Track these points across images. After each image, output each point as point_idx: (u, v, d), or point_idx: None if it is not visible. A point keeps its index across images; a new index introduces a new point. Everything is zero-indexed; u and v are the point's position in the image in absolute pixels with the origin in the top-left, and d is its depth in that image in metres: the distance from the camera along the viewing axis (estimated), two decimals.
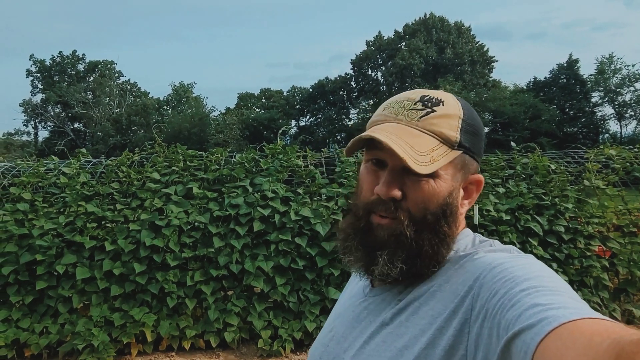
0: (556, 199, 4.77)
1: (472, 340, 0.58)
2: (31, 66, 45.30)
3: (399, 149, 0.66)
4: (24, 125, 44.92)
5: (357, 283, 0.86)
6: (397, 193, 0.69)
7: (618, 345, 0.40)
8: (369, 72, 44.51)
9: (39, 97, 44.21)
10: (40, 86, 45.01)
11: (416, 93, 0.74)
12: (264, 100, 45.78)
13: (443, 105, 0.72)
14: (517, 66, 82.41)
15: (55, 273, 4.18)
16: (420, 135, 0.69)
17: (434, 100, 0.72)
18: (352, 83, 44.55)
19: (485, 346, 0.55)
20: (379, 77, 43.49)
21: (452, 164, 0.70)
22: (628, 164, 5.05)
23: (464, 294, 0.63)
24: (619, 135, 36.42)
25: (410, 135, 0.69)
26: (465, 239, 0.74)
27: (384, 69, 42.93)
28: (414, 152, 0.67)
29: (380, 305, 0.74)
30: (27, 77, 45.42)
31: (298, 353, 4.29)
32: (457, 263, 0.69)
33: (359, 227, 0.73)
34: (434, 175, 0.69)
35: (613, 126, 38.14)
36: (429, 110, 0.71)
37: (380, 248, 0.71)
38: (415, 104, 0.72)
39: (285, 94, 45.83)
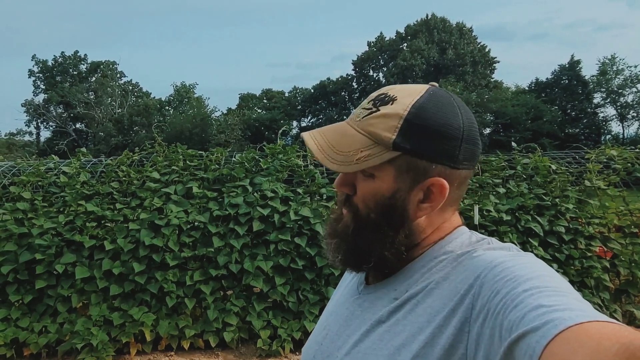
0: (557, 200, 4.75)
1: (473, 340, 0.57)
2: (33, 66, 45.41)
3: (315, 147, 0.71)
4: (26, 125, 44.91)
5: (351, 280, 0.85)
6: (345, 189, 0.74)
7: (628, 350, 0.39)
8: (371, 72, 44.53)
9: (41, 98, 44.32)
10: (42, 86, 45.12)
11: (383, 90, 0.73)
12: (265, 101, 45.82)
13: (392, 104, 0.69)
14: (519, 67, 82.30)
15: (55, 272, 4.18)
16: (353, 134, 0.70)
17: (385, 99, 0.71)
18: (354, 84, 44.58)
19: (486, 346, 0.54)
20: (381, 78, 43.48)
21: (392, 165, 0.68)
22: (629, 164, 5.03)
23: (464, 293, 0.61)
24: (621, 136, 36.34)
25: (340, 135, 0.71)
26: (461, 237, 0.73)
27: (385, 69, 42.94)
28: (333, 151, 0.70)
29: (375, 303, 0.72)
30: (29, 77, 45.54)
31: (297, 353, 4.28)
32: (456, 260, 0.68)
33: (334, 218, 0.79)
34: (372, 175, 0.70)
35: (615, 127, 38.11)
36: (373, 110, 0.71)
37: (332, 237, 0.76)
38: (368, 102, 0.73)
39: (286, 94, 45.87)
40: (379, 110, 0.70)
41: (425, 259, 0.71)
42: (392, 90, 0.72)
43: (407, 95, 0.70)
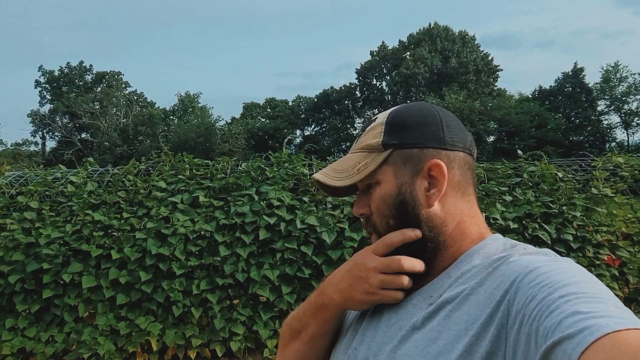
0: (564, 207, 4.73)
1: (510, 347, 0.56)
2: (40, 77, 45.91)
3: (321, 176, 0.81)
4: (31, 135, 45.35)
5: None
6: (360, 210, 0.79)
7: None
8: (374, 81, 44.68)
9: (47, 108, 44.73)
10: (48, 97, 45.56)
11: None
12: (269, 110, 45.99)
13: (374, 122, 0.79)
14: (525, 74, 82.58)
15: (62, 282, 4.18)
16: (349, 157, 0.80)
17: (370, 121, 0.81)
18: (357, 92, 44.73)
19: (523, 353, 0.53)
20: (384, 87, 43.63)
21: (388, 165, 0.75)
22: (636, 171, 5.01)
23: (499, 299, 0.60)
24: (626, 143, 36.22)
25: (342, 160, 0.81)
26: (495, 242, 0.73)
27: (388, 78, 43.08)
28: (337, 172, 0.79)
29: (411, 309, 0.72)
30: (35, 87, 46.01)
31: None
32: (491, 266, 0.67)
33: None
34: (376, 182, 0.76)
35: (620, 134, 38.02)
36: (362, 132, 0.81)
37: None
38: (359, 132, 0.83)
39: (290, 103, 46.04)
40: (365, 131, 0.81)
41: (459, 265, 0.71)
42: (381, 114, 0.81)
43: (384, 112, 0.81)
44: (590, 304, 0.49)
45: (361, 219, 0.81)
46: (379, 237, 0.76)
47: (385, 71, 43.82)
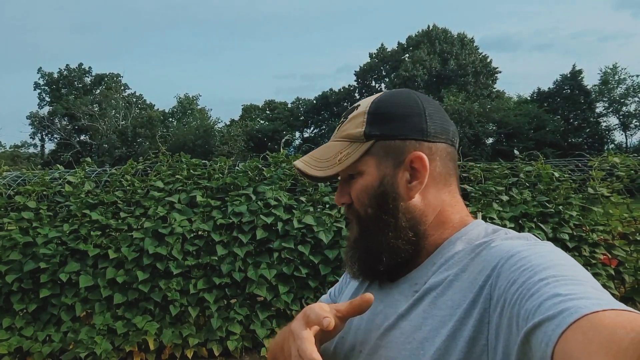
0: (560, 207, 4.75)
1: (493, 330, 0.57)
2: (39, 79, 45.92)
3: (302, 164, 0.80)
4: (30, 137, 45.32)
5: None
6: (342, 199, 0.79)
7: None
8: (373, 83, 44.74)
9: (46, 110, 44.72)
10: (47, 99, 45.57)
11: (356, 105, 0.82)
12: (268, 112, 46.04)
13: (356, 110, 0.78)
14: (524, 76, 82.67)
15: (59, 281, 4.19)
16: (333, 144, 0.79)
17: (351, 109, 0.80)
18: (356, 94, 44.76)
19: (505, 336, 0.54)
20: (383, 89, 43.67)
21: (371, 155, 0.75)
22: (632, 171, 5.03)
23: (482, 284, 0.61)
24: (624, 145, 36.27)
25: (323, 149, 0.80)
26: (477, 228, 0.74)
27: (387, 80, 43.15)
28: (318, 162, 0.78)
29: (397, 297, 0.73)
30: (34, 89, 46.01)
31: None
32: (473, 252, 0.68)
33: (348, 236, 0.84)
34: (359, 172, 0.76)
35: (618, 136, 38.08)
36: (344, 119, 0.80)
37: (347, 251, 0.81)
38: (341, 118, 0.82)
39: (289, 105, 46.09)
40: (347, 118, 0.80)
41: (442, 251, 0.72)
42: (356, 103, 0.81)
43: (367, 100, 0.79)
44: (570, 286, 0.50)
45: (342, 207, 0.82)
46: (359, 224, 0.77)
47: (384, 73, 43.90)
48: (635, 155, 5.62)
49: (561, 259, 0.58)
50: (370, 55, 44.01)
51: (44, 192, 4.83)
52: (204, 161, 5.30)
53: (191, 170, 4.99)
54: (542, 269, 0.54)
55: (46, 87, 45.88)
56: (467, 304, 0.61)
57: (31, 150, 45.30)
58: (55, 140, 43.91)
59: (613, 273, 4.62)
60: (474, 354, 0.58)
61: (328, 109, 44.08)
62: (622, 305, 0.46)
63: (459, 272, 0.66)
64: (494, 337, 0.57)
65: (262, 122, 43.16)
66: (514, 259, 0.59)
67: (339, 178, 0.81)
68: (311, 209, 4.64)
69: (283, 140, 6.17)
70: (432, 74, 39.34)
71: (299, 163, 0.81)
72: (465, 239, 0.71)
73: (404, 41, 42.87)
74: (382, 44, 44.01)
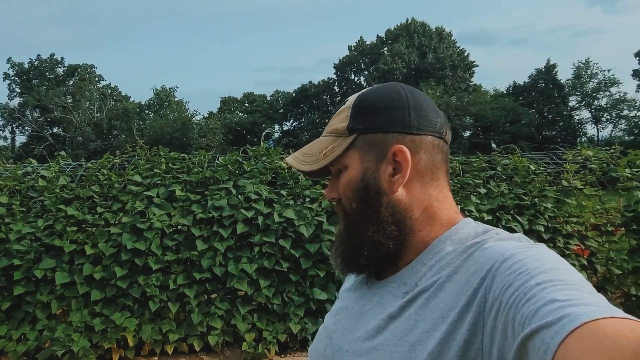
0: (536, 199, 4.86)
1: (487, 334, 0.56)
2: (8, 69, 44.42)
3: (291, 160, 0.82)
4: (0, 130, 43.88)
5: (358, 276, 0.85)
6: (331, 194, 0.80)
7: None
8: (352, 76, 44.76)
9: (16, 101, 43.33)
10: (17, 90, 44.14)
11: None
12: (247, 105, 45.61)
13: (344, 104, 0.79)
14: (501, 71, 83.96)
15: (34, 278, 4.08)
16: (319, 140, 0.81)
17: (341, 104, 0.81)
18: (335, 87, 44.72)
19: (499, 340, 0.54)
20: (362, 82, 43.75)
21: (355, 149, 0.75)
22: (604, 164, 5.18)
23: (476, 287, 0.60)
24: (596, 138, 37.29)
25: (311, 145, 0.81)
26: (466, 227, 0.73)
27: (366, 73, 43.23)
28: (306, 156, 0.80)
29: (386, 297, 0.72)
30: (4, 80, 44.51)
31: (283, 355, 4.27)
32: (465, 252, 0.67)
33: (336, 232, 0.85)
34: (344, 167, 0.76)
35: (590, 129, 39.05)
36: (332, 115, 0.82)
37: (333, 246, 0.82)
38: (332, 114, 0.84)
39: (268, 98, 45.76)
40: (334, 113, 0.81)
41: (432, 251, 0.71)
42: (355, 95, 0.81)
43: (354, 95, 0.80)
44: (566, 291, 0.49)
45: (333, 203, 0.82)
46: (345, 219, 0.77)
47: (363, 66, 43.92)
48: (607, 148, 5.78)
49: (556, 262, 0.57)
50: (350, 49, 43.96)
51: (17, 187, 4.69)
52: (182, 155, 5.23)
53: (170, 164, 4.91)
54: (538, 273, 0.53)
55: (16, 78, 44.42)
56: (461, 306, 0.60)
57: (1, 143, 43.91)
58: (27, 132, 42.64)
59: (586, 263, 4.76)
60: (469, 357, 0.58)
61: (307, 102, 43.93)
62: (620, 312, 0.45)
63: (451, 274, 0.65)
64: (488, 341, 0.56)
65: (241, 114, 42.75)
66: (509, 262, 0.58)
67: (331, 173, 0.82)
68: (292, 202, 4.63)
69: (263, 133, 6.13)
70: (411, 67, 39.58)
71: (289, 158, 0.83)
72: (456, 239, 0.70)
73: (383, 34, 42.96)
74: (361, 37, 44.00)
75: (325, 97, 44.42)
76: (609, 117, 37.53)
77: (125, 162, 5.23)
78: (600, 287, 4.79)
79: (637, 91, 37.80)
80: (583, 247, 4.81)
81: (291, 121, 45.16)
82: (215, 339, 4.18)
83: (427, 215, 0.74)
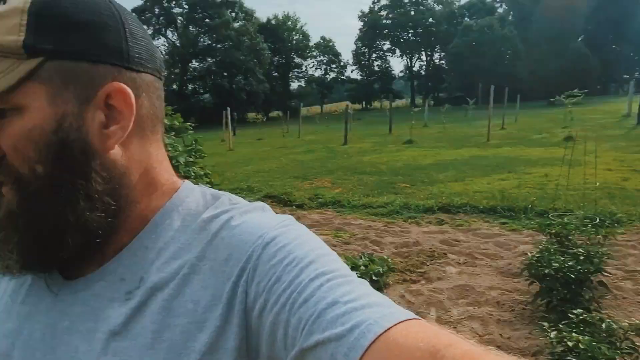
0: None
1: (254, 336, 0.46)
2: None
3: None
4: None
5: (14, 279, 0.54)
6: None
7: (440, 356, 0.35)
8: None
9: None
10: None
11: None
12: None
13: (3, 3, 0.47)
14: None
15: None
16: None
17: None
18: None
19: (268, 343, 0.44)
20: None
21: (38, 82, 0.45)
22: None
23: (235, 279, 0.47)
24: None
25: None
26: (192, 194, 0.55)
27: None
28: None
29: (94, 305, 0.49)
30: None
31: None
32: (204, 230, 0.51)
33: None
34: (15, 107, 0.45)
35: None
36: None
37: None
38: None
39: None
40: None
41: (156, 229, 0.52)
42: None
43: None
44: (342, 287, 0.43)
45: None
46: (19, 190, 0.46)
47: None
48: None
49: (319, 245, 0.49)
50: None
51: None
52: None
53: None
54: (308, 263, 0.45)
55: None
56: (222, 306, 0.46)
57: None
58: None
59: None
60: None
61: None
62: (407, 314, 0.41)
63: (195, 262, 0.49)
64: (255, 344, 0.46)
65: None
66: (272, 249, 0.47)
67: None
68: None
69: None
70: None
71: None
72: (183, 211, 0.53)
73: None
74: None
75: None
76: None
77: None
78: None
79: None
80: None
81: None
82: None
83: (146, 181, 0.53)
